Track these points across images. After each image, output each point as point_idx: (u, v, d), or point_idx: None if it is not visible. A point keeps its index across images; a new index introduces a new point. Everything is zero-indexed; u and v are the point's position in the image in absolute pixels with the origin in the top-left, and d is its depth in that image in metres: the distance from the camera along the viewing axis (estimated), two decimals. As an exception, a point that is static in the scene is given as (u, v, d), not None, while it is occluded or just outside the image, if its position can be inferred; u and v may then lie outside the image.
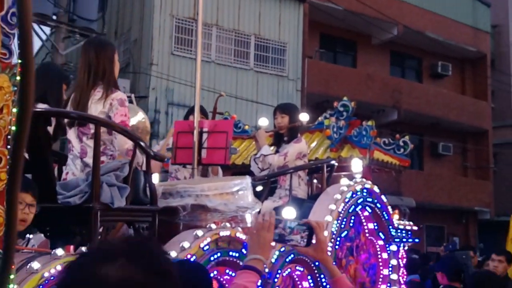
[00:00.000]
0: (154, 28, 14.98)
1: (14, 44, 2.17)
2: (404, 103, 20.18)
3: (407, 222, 5.19)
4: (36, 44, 21.03)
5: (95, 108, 3.39)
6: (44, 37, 13.36)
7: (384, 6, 19.10)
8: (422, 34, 20.52)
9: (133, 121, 4.18)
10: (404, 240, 4.97)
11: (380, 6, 18.83)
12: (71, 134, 3.46)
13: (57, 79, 4.01)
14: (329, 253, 4.08)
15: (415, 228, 5.22)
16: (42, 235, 3.72)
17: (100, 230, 3.35)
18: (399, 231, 4.93)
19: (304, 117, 5.48)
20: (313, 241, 2.07)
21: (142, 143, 3.38)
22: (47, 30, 13.46)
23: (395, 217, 5.08)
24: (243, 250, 3.41)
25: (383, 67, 21.73)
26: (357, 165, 5.12)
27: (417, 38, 20.66)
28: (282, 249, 3.68)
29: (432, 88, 22.13)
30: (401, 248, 4.98)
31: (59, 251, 2.46)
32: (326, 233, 4.13)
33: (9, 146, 2.14)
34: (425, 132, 21.89)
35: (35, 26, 12.67)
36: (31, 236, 4.01)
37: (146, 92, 14.72)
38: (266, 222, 2.06)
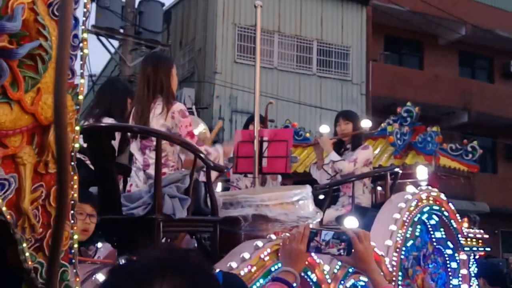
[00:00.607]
0: (217, 37, 15.21)
1: (77, 65, 2.26)
2: (475, 105, 19.54)
3: (477, 230, 5.02)
4: (105, 57, 21.75)
5: (157, 121, 3.49)
6: (112, 50, 13.81)
7: (450, 5, 18.58)
8: (491, 33, 19.82)
9: (195, 132, 4.25)
10: (475, 248, 4.82)
11: (446, 5, 18.33)
12: (134, 147, 3.56)
13: (121, 93, 4.14)
14: (394, 263, 4.00)
15: (486, 236, 5.04)
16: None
17: (163, 240, 3.42)
18: (468, 239, 4.78)
19: (366, 123, 5.42)
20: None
21: (201, 155, 3.42)
22: (116, 43, 13.93)
23: (464, 225, 4.93)
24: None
25: (452, 68, 21.14)
26: (422, 172, 5.00)
27: (487, 37, 19.98)
28: (345, 259, 3.64)
29: (505, 88, 21.34)
30: (471, 257, 4.83)
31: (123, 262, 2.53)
32: (390, 242, 4.05)
33: (73, 163, 2.22)
34: (498, 134, 21.11)
35: (104, 40, 13.15)
36: (100, 245, 4.14)
37: (211, 100, 14.95)
38: (298, 233, 2.03)
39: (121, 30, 13.31)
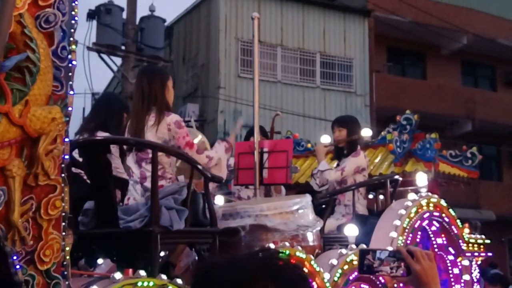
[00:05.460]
0: (220, 51, 15.27)
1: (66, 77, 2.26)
2: (478, 113, 19.53)
3: (478, 236, 4.99)
4: (107, 74, 21.78)
5: (151, 133, 3.48)
6: (114, 67, 13.86)
7: (451, 15, 18.63)
8: (493, 42, 19.83)
9: (193, 144, 4.24)
10: (476, 254, 4.79)
11: (447, 15, 18.38)
12: (130, 160, 3.56)
13: (117, 108, 4.15)
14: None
15: (487, 241, 5.02)
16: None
17: (162, 253, 3.41)
18: (470, 245, 4.75)
19: (366, 132, 5.40)
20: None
21: (199, 166, 3.42)
22: (118, 60, 13.97)
23: (466, 230, 4.90)
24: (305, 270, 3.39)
25: (455, 77, 21.14)
26: (421, 179, 4.97)
27: (489, 46, 19.98)
28: (345, 267, 3.61)
29: (508, 96, 21.29)
30: (473, 263, 4.80)
31: (118, 275, 2.52)
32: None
33: (63, 175, 2.22)
34: (503, 142, 21.05)
35: (106, 57, 13.20)
36: (101, 261, 4.12)
37: (215, 115, 14.97)
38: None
39: (123, 47, 13.34)
